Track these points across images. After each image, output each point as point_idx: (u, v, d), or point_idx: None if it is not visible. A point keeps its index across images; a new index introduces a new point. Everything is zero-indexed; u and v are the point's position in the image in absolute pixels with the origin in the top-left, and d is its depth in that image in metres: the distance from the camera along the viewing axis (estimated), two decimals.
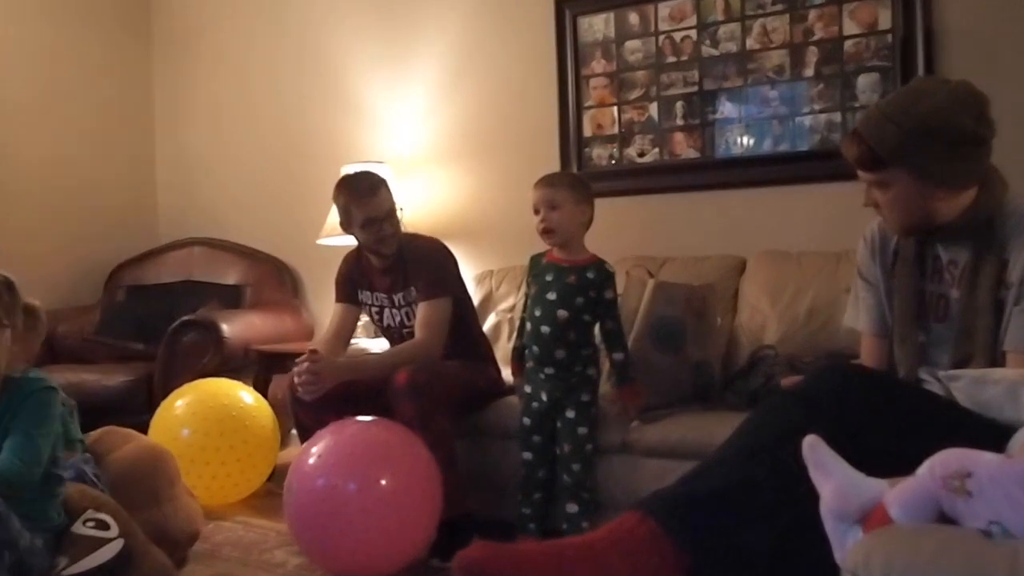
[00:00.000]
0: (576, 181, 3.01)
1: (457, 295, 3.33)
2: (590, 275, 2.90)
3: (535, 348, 2.94)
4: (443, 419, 2.97)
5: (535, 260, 3.05)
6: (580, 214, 2.93)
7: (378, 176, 3.29)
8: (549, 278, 2.94)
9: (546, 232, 2.91)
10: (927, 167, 1.99)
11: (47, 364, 4.40)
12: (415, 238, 3.40)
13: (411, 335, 3.30)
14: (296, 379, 2.99)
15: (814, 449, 1.39)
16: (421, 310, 3.22)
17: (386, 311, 3.37)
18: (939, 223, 2.07)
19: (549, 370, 2.92)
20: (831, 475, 1.36)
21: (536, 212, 2.92)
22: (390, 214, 3.23)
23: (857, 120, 2.13)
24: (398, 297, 3.32)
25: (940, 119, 1.96)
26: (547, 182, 2.94)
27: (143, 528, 2.57)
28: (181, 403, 3.57)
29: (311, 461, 2.67)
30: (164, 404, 3.63)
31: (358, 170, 3.42)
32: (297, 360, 3.05)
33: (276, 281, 4.94)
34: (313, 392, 2.97)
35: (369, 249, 3.29)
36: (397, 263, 3.29)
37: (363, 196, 3.19)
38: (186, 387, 3.67)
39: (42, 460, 2.32)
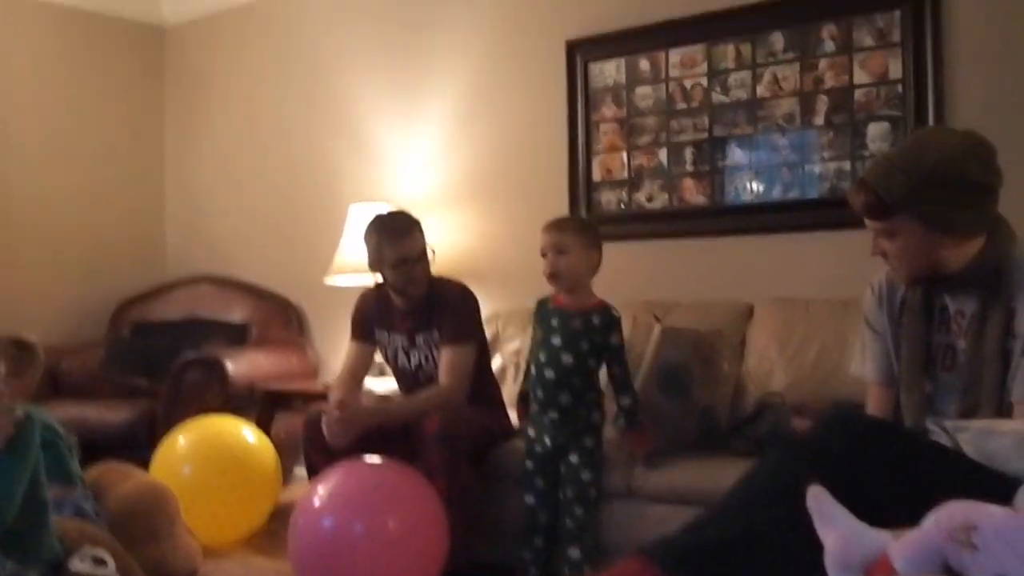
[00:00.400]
0: (584, 225, 3.02)
1: (480, 342, 3.33)
2: (595, 320, 2.91)
3: (539, 393, 2.94)
4: (468, 469, 2.98)
5: (541, 305, 3.06)
6: (588, 259, 2.94)
7: (412, 216, 3.30)
8: (554, 323, 2.95)
9: (553, 276, 2.92)
10: (935, 215, 2.00)
11: (50, 399, 4.40)
12: (443, 281, 3.39)
13: (427, 378, 3.30)
14: (326, 429, 2.99)
15: (818, 499, 1.38)
16: (447, 355, 3.21)
17: (401, 354, 3.37)
18: (946, 272, 2.08)
19: (553, 415, 2.91)
20: (835, 526, 1.35)
21: (543, 256, 2.93)
22: (422, 256, 3.23)
23: (865, 169, 2.14)
24: (420, 339, 3.31)
25: (948, 168, 1.97)
26: (555, 226, 2.95)
27: (141, 565, 2.56)
28: (183, 440, 3.57)
29: (318, 501, 2.66)
30: (166, 441, 3.62)
31: (391, 210, 3.43)
32: (324, 408, 3.05)
33: (282, 319, 4.95)
34: (343, 441, 2.97)
35: (397, 289, 3.28)
36: (423, 304, 3.29)
37: (397, 236, 3.19)
38: (189, 424, 3.67)
39: (14, 492, 2.31)
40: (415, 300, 3.27)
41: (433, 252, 3.33)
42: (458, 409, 3.07)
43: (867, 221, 2.11)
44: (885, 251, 2.11)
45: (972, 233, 2.04)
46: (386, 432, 3.10)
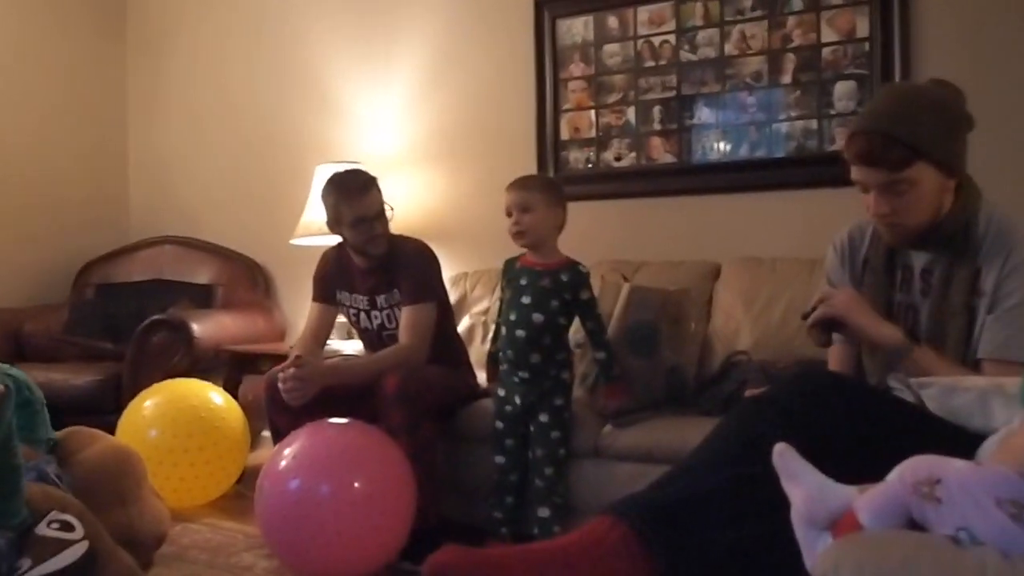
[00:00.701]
0: (549, 184, 3.01)
1: (441, 299, 3.33)
2: (564, 277, 2.91)
3: (509, 352, 2.94)
4: (429, 427, 2.97)
5: (509, 264, 3.06)
6: (553, 217, 2.93)
7: (369, 175, 3.27)
8: (523, 282, 2.95)
9: (518, 235, 2.92)
10: (948, 157, 2.01)
11: (14, 363, 4.35)
12: (402, 240, 3.37)
13: (390, 338, 3.29)
14: (282, 385, 2.96)
15: (783, 456, 1.39)
16: (407, 314, 3.20)
17: (364, 313, 3.36)
18: (934, 224, 2.07)
19: (523, 374, 2.92)
20: (801, 482, 1.36)
21: (508, 215, 2.93)
22: (380, 213, 3.21)
23: (865, 123, 2.03)
24: (381, 299, 3.30)
25: (952, 107, 2.04)
26: (520, 185, 2.95)
27: (109, 530, 2.55)
28: (150, 403, 3.54)
29: (284, 463, 2.65)
30: (132, 404, 3.60)
31: (348, 168, 3.40)
32: (282, 367, 3.02)
33: (248, 281, 4.92)
34: (300, 399, 2.95)
35: (357, 249, 3.27)
36: (382, 264, 3.27)
37: (354, 194, 3.17)
38: (155, 387, 3.65)
39: None
40: (375, 260, 3.25)
41: (391, 210, 3.31)
42: (418, 368, 3.07)
43: (872, 177, 2.03)
44: (887, 210, 2.05)
45: (961, 173, 2.06)
46: (349, 393, 3.09)
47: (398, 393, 2.90)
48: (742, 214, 3.80)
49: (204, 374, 4.00)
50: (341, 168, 3.44)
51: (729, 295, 3.51)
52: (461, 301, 4.08)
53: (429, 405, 2.98)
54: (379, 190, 3.25)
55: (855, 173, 2.06)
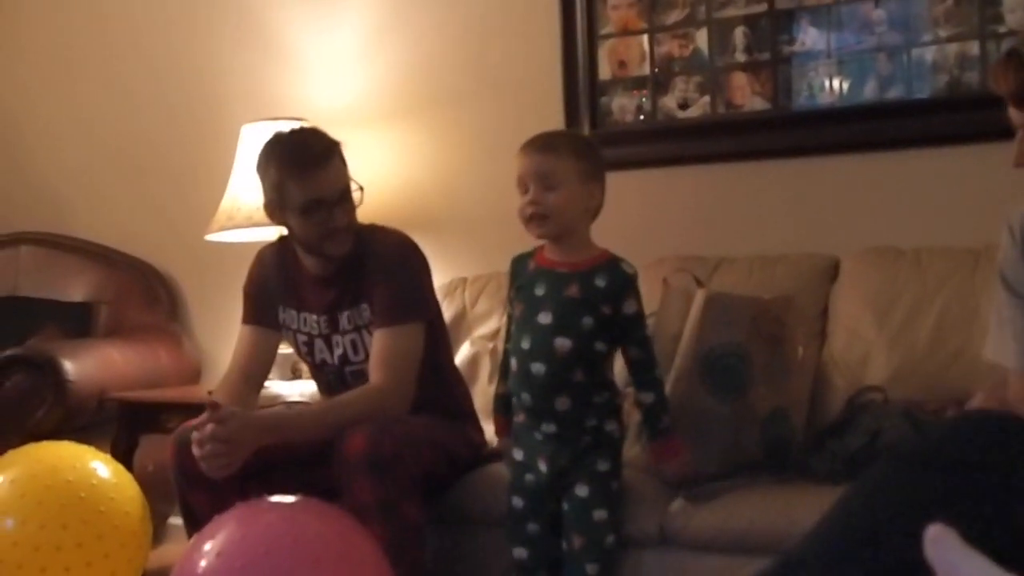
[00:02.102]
0: (585, 148, 3.00)
1: (432, 320, 3.32)
2: (600, 282, 2.89)
3: (526, 396, 2.93)
4: (413, 507, 2.96)
5: (519, 264, 3.05)
6: (587, 196, 2.92)
7: (329, 138, 3.25)
8: (540, 291, 2.93)
9: (536, 220, 2.89)
10: None
11: None
12: (374, 232, 3.35)
13: (356, 376, 3.28)
14: (196, 450, 2.90)
15: (938, 544, 1.37)
16: (381, 341, 3.19)
17: (320, 340, 3.35)
18: None
19: (548, 427, 2.91)
20: (959, 570, 1.34)
21: (523, 190, 2.91)
22: (344, 195, 3.19)
23: (1018, 39, 2.12)
24: (343, 318, 3.29)
25: None
26: (542, 145, 2.92)
27: None
28: (2, 479, 3.54)
29: (203, 564, 2.64)
30: None
31: (296, 127, 3.37)
32: (195, 422, 2.99)
33: (144, 296, 4.93)
34: (225, 468, 2.90)
35: (310, 247, 3.25)
36: (346, 267, 3.26)
37: (306, 167, 3.14)
38: (9, 455, 3.63)
39: None
40: (335, 262, 3.24)
41: (361, 190, 3.29)
42: (397, 420, 3.06)
43: (1014, 114, 2.08)
44: None
45: None
46: (297, 457, 3.08)
47: (367, 458, 2.88)
48: (869, 184, 3.78)
49: (83, 434, 3.97)
50: (283, 128, 3.44)
51: (853, 304, 3.50)
52: (457, 320, 4.07)
53: (413, 475, 2.96)
54: (343, 161, 3.24)
55: (1012, 114, 2.09)
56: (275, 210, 3.23)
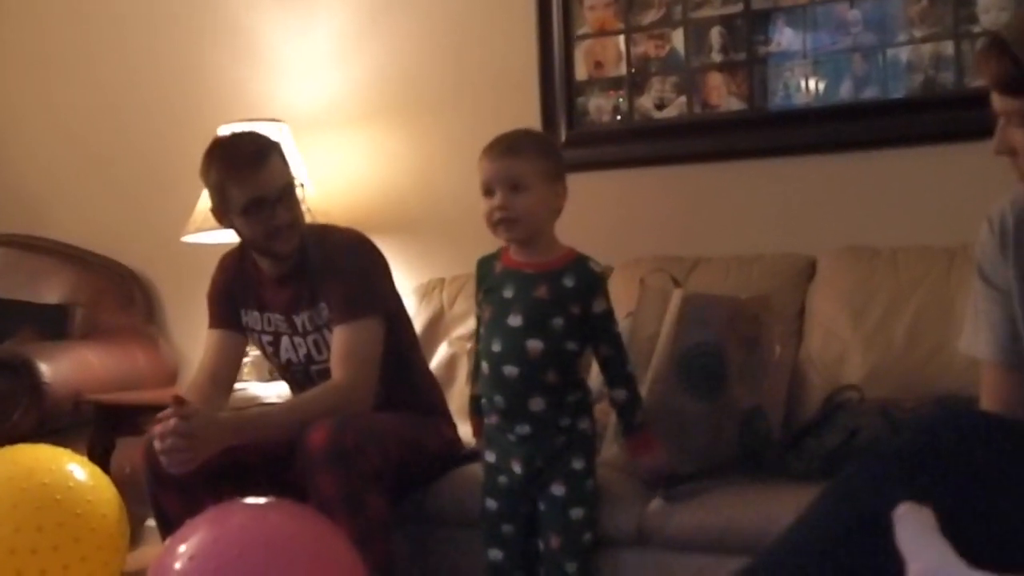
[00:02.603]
0: (548, 148, 3.01)
1: (390, 311, 3.31)
2: (569, 282, 2.89)
3: (498, 398, 2.92)
4: (378, 500, 2.95)
5: (485, 266, 3.04)
6: (553, 196, 2.92)
7: (267, 139, 3.28)
8: (509, 294, 2.93)
9: (504, 224, 2.88)
10: None
11: None
12: (326, 231, 3.38)
13: (322, 374, 3.28)
14: (158, 444, 2.91)
15: (904, 523, 1.38)
16: (340, 337, 3.19)
17: (284, 340, 3.35)
18: None
19: (522, 429, 2.90)
20: (919, 555, 1.35)
21: (488, 193, 2.90)
22: (286, 193, 3.20)
23: (1003, 26, 2.11)
24: (302, 319, 3.30)
25: None
26: (506, 148, 2.91)
27: None
28: None
29: (177, 566, 2.63)
30: None
31: (238, 130, 3.39)
32: (158, 416, 2.99)
33: (120, 298, 4.91)
34: (185, 463, 2.90)
35: (257, 248, 3.27)
36: (300, 268, 3.27)
37: (244, 167, 3.16)
38: None
39: None
40: (286, 262, 3.25)
41: (302, 187, 3.31)
42: (359, 415, 3.06)
43: (997, 101, 2.08)
44: (1015, 147, 2.07)
45: None
46: (267, 457, 3.07)
47: (328, 451, 2.88)
48: (845, 184, 3.79)
49: (59, 437, 3.96)
50: (254, 128, 3.43)
51: (830, 303, 3.51)
52: (435, 321, 4.07)
53: (377, 468, 2.95)
54: (283, 159, 3.26)
55: (995, 100, 2.09)
56: (221, 214, 3.26)
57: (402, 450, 3.12)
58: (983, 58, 2.06)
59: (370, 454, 2.94)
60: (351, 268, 3.25)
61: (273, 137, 3.32)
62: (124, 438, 4.14)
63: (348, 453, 2.89)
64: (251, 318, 3.40)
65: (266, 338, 3.39)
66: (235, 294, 3.41)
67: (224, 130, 4.25)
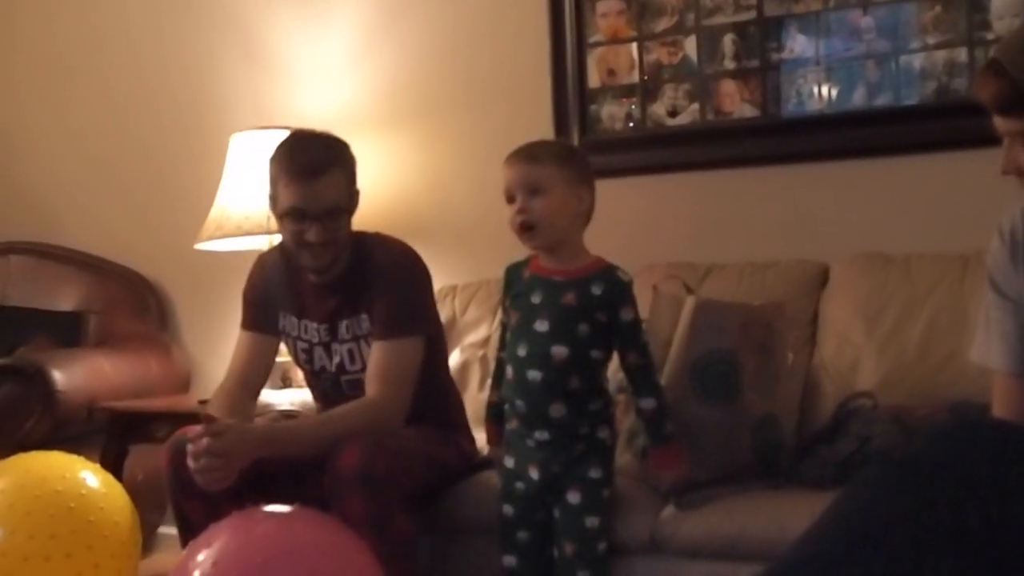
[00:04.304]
0: (569, 154, 3.00)
1: (432, 334, 3.31)
2: (596, 290, 2.89)
3: (520, 404, 2.93)
4: (406, 521, 2.95)
5: (513, 273, 3.05)
6: (576, 202, 2.92)
7: (339, 150, 3.23)
8: (536, 300, 2.93)
9: (525, 229, 2.89)
10: None
11: None
12: (377, 242, 3.33)
13: (352, 385, 3.28)
14: (192, 463, 2.89)
15: None
16: (379, 353, 3.17)
17: (320, 348, 3.33)
18: None
19: (542, 435, 2.90)
20: None
21: (510, 199, 2.91)
22: (330, 213, 3.14)
23: (997, 47, 2.12)
24: (343, 327, 3.28)
25: None
26: (525, 156, 2.93)
27: None
28: None
29: (201, 572, 2.62)
30: None
31: (315, 131, 3.31)
32: (191, 436, 2.96)
33: (134, 306, 4.92)
34: (220, 481, 2.88)
35: (289, 252, 3.27)
36: (347, 277, 3.25)
37: (298, 172, 3.11)
38: (0, 464, 3.63)
39: None
40: (320, 273, 3.23)
41: (356, 195, 3.28)
42: (390, 435, 3.04)
43: (999, 121, 2.09)
44: (1021, 167, 2.09)
45: None
46: (291, 467, 3.07)
47: (359, 474, 2.87)
48: (858, 191, 3.78)
49: (72, 444, 3.95)
50: (267, 138, 3.42)
51: (843, 310, 3.51)
52: (448, 328, 4.04)
53: (405, 490, 2.95)
54: (346, 176, 3.21)
55: (997, 122, 2.10)
56: (272, 206, 3.23)
57: (427, 469, 3.13)
58: (981, 82, 2.08)
59: (399, 477, 2.93)
60: (400, 285, 3.22)
61: (349, 151, 3.26)
62: (137, 445, 4.15)
63: (379, 477, 2.88)
64: (288, 323, 3.36)
65: (301, 345, 3.36)
66: (275, 296, 3.37)
67: (236, 139, 4.26)
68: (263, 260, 3.45)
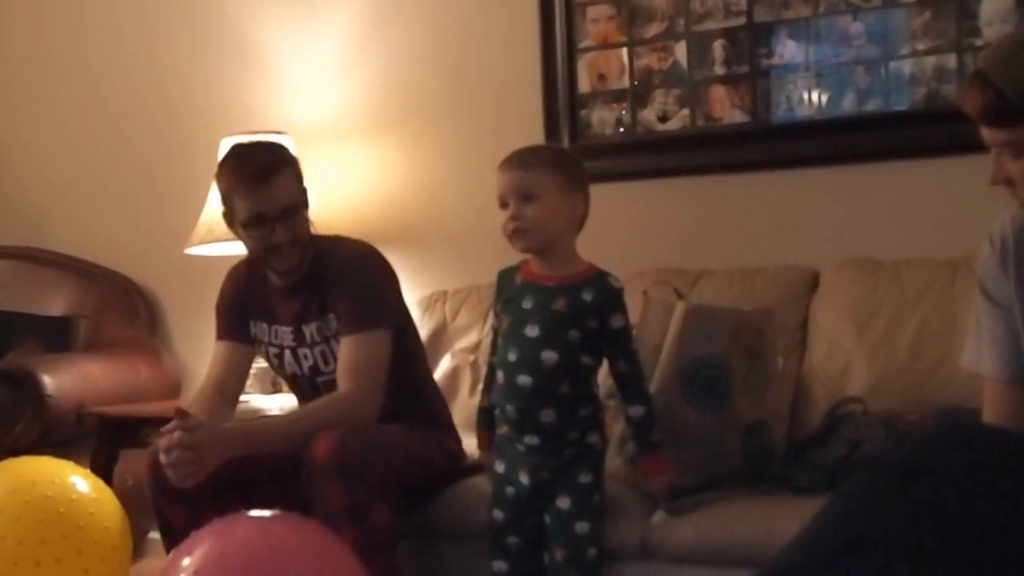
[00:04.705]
0: (563, 160, 3.00)
1: (399, 324, 3.31)
2: (587, 296, 2.90)
3: (510, 408, 2.93)
4: (382, 510, 2.94)
5: (505, 278, 3.05)
6: (569, 207, 2.92)
7: (282, 152, 3.28)
8: (527, 305, 2.93)
9: (518, 234, 2.90)
10: None
11: None
12: (336, 242, 3.37)
13: (328, 385, 3.28)
14: (163, 458, 2.89)
15: None
16: (347, 349, 3.19)
17: (287, 353, 3.35)
18: None
19: (532, 439, 2.91)
20: None
21: (503, 205, 2.91)
22: (288, 211, 3.18)
23: (981, 57, 2.12)
24: (310, 330, 3.29)
25: None
26: (518, 161, 2.93)
27: None
28: None
29: None
30: None
31: (257, 141, 3.38)
32: (162, 429, 2.98)
33: (124, 310, 4.91)
34: (191, 476, 2.89)
35: (258, 260, 3.28)
36: (309, 279, 3.27)
37: (249, 181, 3.15)
38: None
39: None
40: (291, 275, 3.25)
41: (306, 207, 3.29)
42: (365, 427, 3.06)
43: (986, 132, 2.10)
44: (1011, 177, 2.09)
45: None
46: (273, 469, 3.07)
47: (333, 461, 2.88)
48: (848, 196, 3.79)
49: (62, 449, 3.95)
50: (257, 140, 3.43)
51: (833, 316, 3.51)
52: (438, 333, 4.07)
53: (382, 478, 2.95)
54: (295, 176, 3.25)
55: (984, 133, 2.11)
56: (228, 222, 3.27)
57: (406, 461, 3.12)
58: (967, 93, 2.08)
59: (374, 464, 2.94)
60: (361, 279, 3.25)
61: (290, 151, 3.30)
62: (127, 450, 4.14)
63: (353, 464, 2.89)
64: (259, 329, 3.40)
65: (272, 350, 3.40)
66: (244, 306, 3.41)
67: (228, 143, 4.25)
68: (232, 271, 3.49)
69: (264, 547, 2.70)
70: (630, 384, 2.94)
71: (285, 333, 3.35)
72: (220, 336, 3.44)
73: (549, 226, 2.90)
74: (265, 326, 3.38)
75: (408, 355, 3.35)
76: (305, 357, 3.34)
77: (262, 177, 3.16)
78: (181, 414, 2.93)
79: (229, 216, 3.24)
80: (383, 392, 3.17)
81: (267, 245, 3.18)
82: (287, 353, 3.36)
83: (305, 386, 3.39)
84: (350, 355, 3.18)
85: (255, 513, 2.80)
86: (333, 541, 2.77)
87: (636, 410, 2.93)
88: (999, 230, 2.30)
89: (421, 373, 3.50)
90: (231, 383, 3.41)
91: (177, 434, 2.87)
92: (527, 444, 2.92)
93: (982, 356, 2.32)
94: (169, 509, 3.09)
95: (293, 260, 3.23)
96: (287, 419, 3.23)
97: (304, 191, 3.29)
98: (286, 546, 2.71)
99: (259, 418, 3.59)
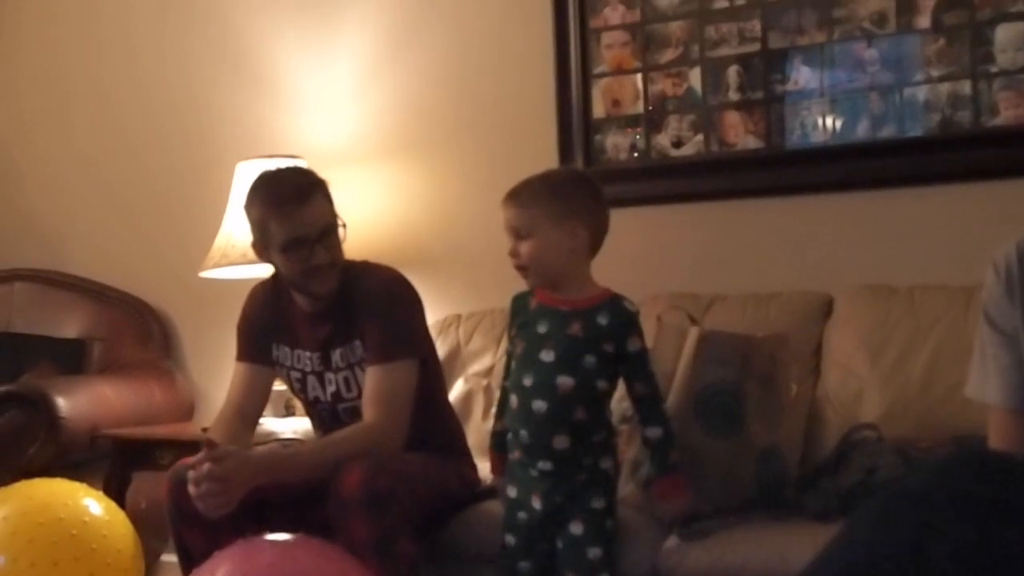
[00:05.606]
0: (556, 188, 2.97)
1: (425, 356, 3.31)
2: (603, 320, 2.89)
3: (524, 433, 2.92)
4: (408, 543, 2.94)
5: (519, 302, 3.05)
6: (566, 238, 2.91)
7: (312, 176, 3.27)
8: (543, 329, 2.93)
9: (520, 271, 2.94)
10: None
11: None
12: (366, 269, 3.36)
13: (349, 413, 3.28)
14: (193, 489, 2.89)
15: None
16: (374, 378, 3.18)
17: (313, 377, 3.34)
18: None
19: (545, 465, 2.90)
20: None
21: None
22: (326, 232, 3.19)
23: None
24: (336, 355, 3.29)
25: None
26: (510, 198, 2.95)
27: None
28: None
29: None
30: None
31: (284, 166, 3.38)
32: (191, 460, 2.97)
33: (138, 333, 4.92)
34: (221, 507, 2.87)
35: (295, 285, 3.26)
36: (337, 305, 3.26)
37: (286, 205, 3.14)
38: (2, 492, 3.61)
39: None
40: (325, 299, 3.24)
41: (344, 227, 3.29)
42: (391, 458, 3.05)
43: None
44: None
45: None
46: (292, 494, 3.06)
47: (363, 495, 2.87)
48: (861, 222, 3.78)
49: (75, 471, 3.96)
50: (273, 165, 3.43)
51: (847, 342, 3.50)
52: (452, 357, 4.06)
53: (409, 512, 2.95)
54: (327, 198, 3.24)
55: None
56: (260, 249, 3.25)
57: (429, 493, 3.12)
58: None
59: (402, 498, 2.92)
60: (390, 308, 3.24)
61: (317, 173, 3.30)
62: (140, 472, 4.14)
63: (382, 498, 2.88)
64: (281, 353, 3.39)
65: (295, 375, 3.38)
66: (267, 327, 3.39)
67: (243, 168, 4.27)
68: (254, 292, 3.47)
69: (285, 570, 2.69)
70: (648, 406, 2.94)
71: (308, 358, 3.34)
72: (241, 357, 3.42)
73: (547, 260, 2.91)
74: (287, 350, 3.37)
75: (430, 384, 3.35)
76: (329, 383, 3.33)
77: (298, 199, 3.15)
78: (209, 444, 2.93)
79: (263, 242, 3.22)
80: (408, 422, 3.16)
81: (306, 268, 3.18)
82: (311, 379, 3.35)
83: (325, 412, 3.37)
84: (377, 385, 3.17)
85: (275, 536, 2.79)
86: (355, 566, 2.75)
87: (654, 431, 2.92)
88: (1004, 258, 2.29)
89: (442, 401, 3.50)
90: (251, 406, 3.40)
91: (207, 466, 2.86)
92: (540, 469, 2.91)
93: (987, 385, 2.31)
94: (187, 533, 3.08)
95: (332, 282, 3.22)
96: (314, 448, 3.22)
97: (336, 212, 3.27)
98: (307, 569, 2.70)
99: (272, 441, 3.58)
